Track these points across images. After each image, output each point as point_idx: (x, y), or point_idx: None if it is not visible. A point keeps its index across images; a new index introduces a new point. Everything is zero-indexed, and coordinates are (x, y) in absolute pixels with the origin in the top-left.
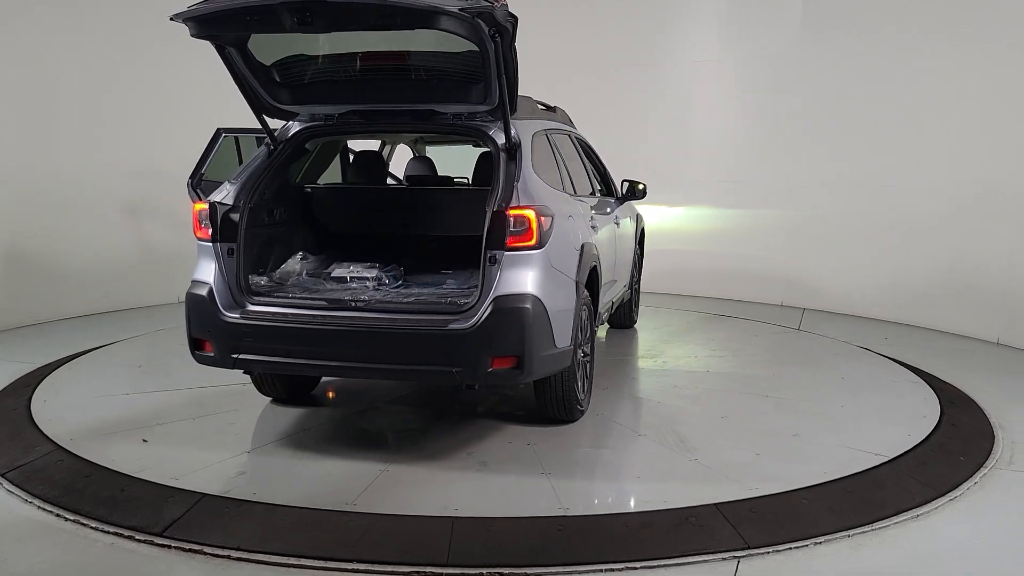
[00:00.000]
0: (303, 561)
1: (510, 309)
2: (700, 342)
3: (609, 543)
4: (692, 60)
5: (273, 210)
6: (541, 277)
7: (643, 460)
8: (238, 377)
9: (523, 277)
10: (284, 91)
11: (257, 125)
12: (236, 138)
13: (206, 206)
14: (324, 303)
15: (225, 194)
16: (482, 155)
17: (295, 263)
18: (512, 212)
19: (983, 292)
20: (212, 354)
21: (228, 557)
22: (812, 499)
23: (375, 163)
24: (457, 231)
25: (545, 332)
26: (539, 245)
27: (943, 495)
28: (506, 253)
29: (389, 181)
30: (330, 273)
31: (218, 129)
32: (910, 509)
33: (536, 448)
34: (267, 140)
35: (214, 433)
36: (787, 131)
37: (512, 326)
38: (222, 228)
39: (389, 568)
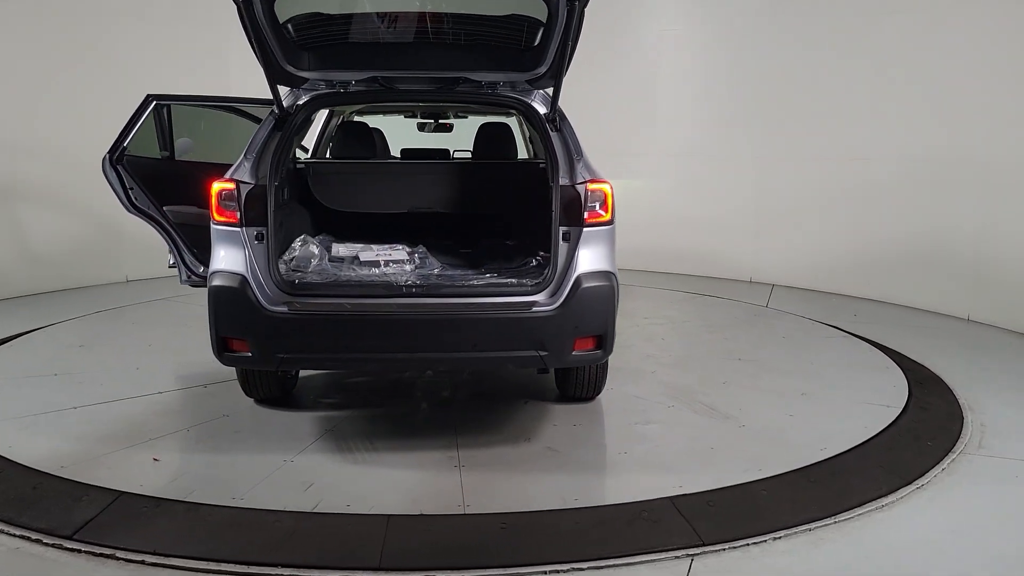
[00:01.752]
0: (223, 566)
1: (595, 288)
2: (659, 322)
3: (555, 542)
4: (657, 29)
5: (283, 188)
6: (612, 254)
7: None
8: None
9: (600, 254)
10: (302, 54)
11: (191, 93)
12: (167, 108)
13: (231, 185)
14: (382, 290)
15: (244, 171)
16: (483, 127)
17: (311, 247)
18: (592, 187)
19: (952, 267)
20: (249, 354)
21: (142, 563)
22: (771, 490)
23: (370, 136)
24: (473, 208)
25: (616, 311)
26: (612, 220)
27: (910, 483)
28: (584, 229)
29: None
30: (356, 258)
31: (148, 96)
32: (875, 499)
33: (579, 429)
34: (274, 109)
35: (154, 423)
36: (754, 103)
37: (596, 306)
38: (249, 210)
39: (315, 573)
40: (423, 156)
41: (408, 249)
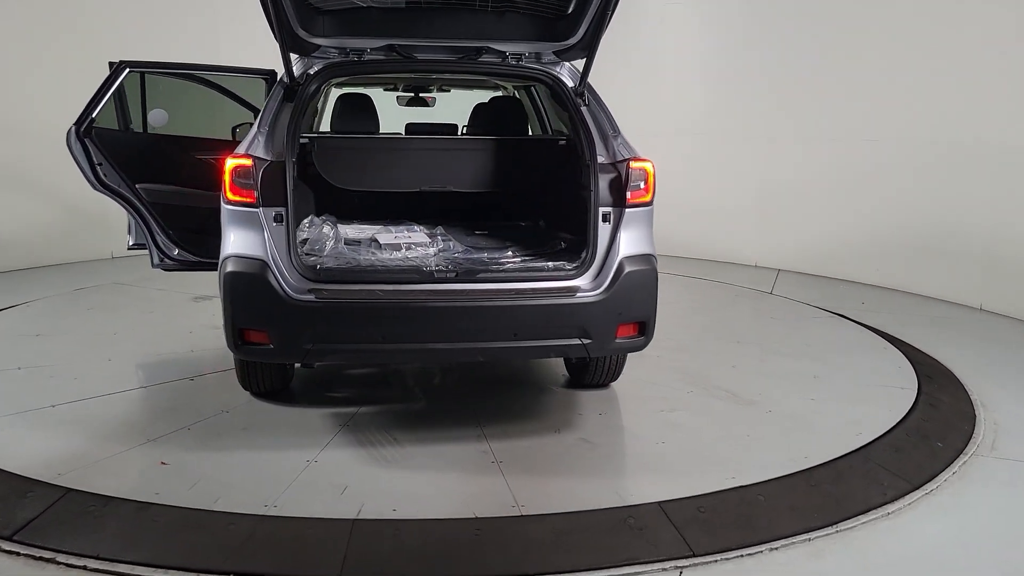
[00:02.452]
0: (170, 573)
1: (639, 272)
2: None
3: (529, 551)
4: (661, 4)
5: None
6: (651, 235)
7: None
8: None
9: (642, 236)
10: (316, 18)
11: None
12: (141, 77)
13: (248, 161)
14: (415, 276)
15: (258, 146)
16: (494, 100)
17: (323, 229)
18: (635, 165)
19: (965, 254)
20: (272, 346)
21: (84, 568)
22: (769, 496)
23: (373, 109)
24: (488, 188)
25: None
26: (652, 200)
27: (918, 488)
28: (626, 210)
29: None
30: (374, 240)
31: (121, 62)
32: (880, 506)
33: (607, 419)
34: (282, 78)
35: (149, 422)
36: (761, 81)
37: (641, 291)
38: (266, 188)
39: None
40: (430, 132)
41: (427, 231)
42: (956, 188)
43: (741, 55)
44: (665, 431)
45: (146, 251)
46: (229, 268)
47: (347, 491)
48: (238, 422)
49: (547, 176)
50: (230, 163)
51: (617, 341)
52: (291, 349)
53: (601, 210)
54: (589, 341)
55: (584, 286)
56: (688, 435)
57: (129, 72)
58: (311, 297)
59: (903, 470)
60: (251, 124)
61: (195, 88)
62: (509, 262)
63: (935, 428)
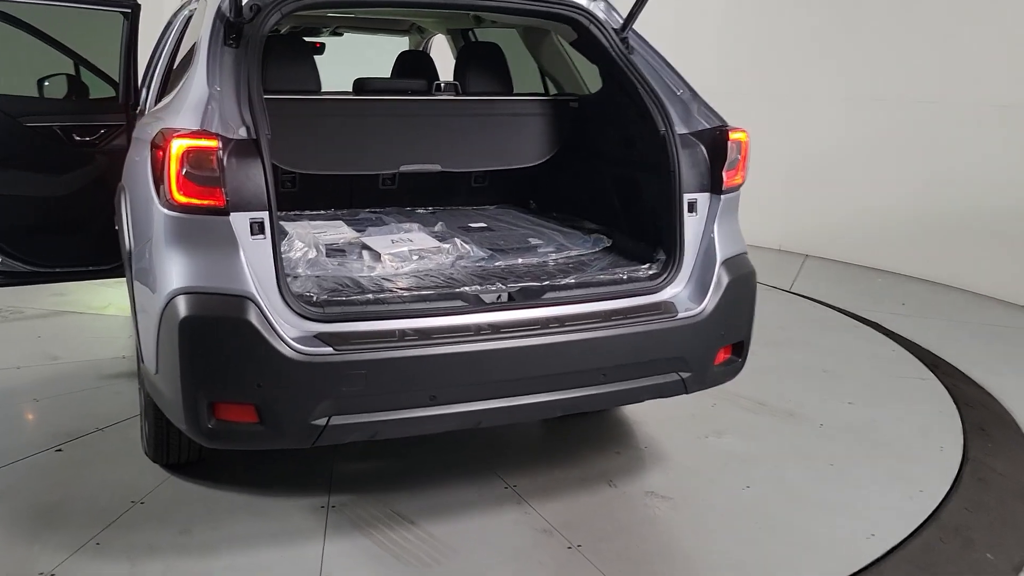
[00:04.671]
0: None
1: (743, 279)
2: None
3: None
4: None
5: None
6: (739, 226)
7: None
8: None
9: (735, 229)
10: None
11: None
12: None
13: (212, 142)
14: (461, 303)
15: (213, 119)
16: (471, 47)
17: (293, 233)
18: (734, 136)
19: None
20: (263, 426)
21: None
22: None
23: (313, 62)
24: (487, 164)
25: None
26: (744, 181)
27: None
28: (723, 197)
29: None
30: (364, 247)
31: None
32: None
33: (652, 453)
34: (226, 14)
35: (25, 525)
36: (791, 30)
37: (744, 302)
38: (237, 183)
39: None
40: (392, 91)
41: (429, 229)
42: None
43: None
44: (735, 468)
45: None
46: (185, 312)
47: None
48: (169, 520)
49: (563, 148)
50: (178, 146)
51: (715, 369)
52: (294, 429)
53: (689, 196)
54: (688, 374)
55: (679, 301)
56: (767, 472)
57: None
58: (325, 348)
59: None
60: (69, 75)
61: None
62: (563, 271)
63: (984, 522)
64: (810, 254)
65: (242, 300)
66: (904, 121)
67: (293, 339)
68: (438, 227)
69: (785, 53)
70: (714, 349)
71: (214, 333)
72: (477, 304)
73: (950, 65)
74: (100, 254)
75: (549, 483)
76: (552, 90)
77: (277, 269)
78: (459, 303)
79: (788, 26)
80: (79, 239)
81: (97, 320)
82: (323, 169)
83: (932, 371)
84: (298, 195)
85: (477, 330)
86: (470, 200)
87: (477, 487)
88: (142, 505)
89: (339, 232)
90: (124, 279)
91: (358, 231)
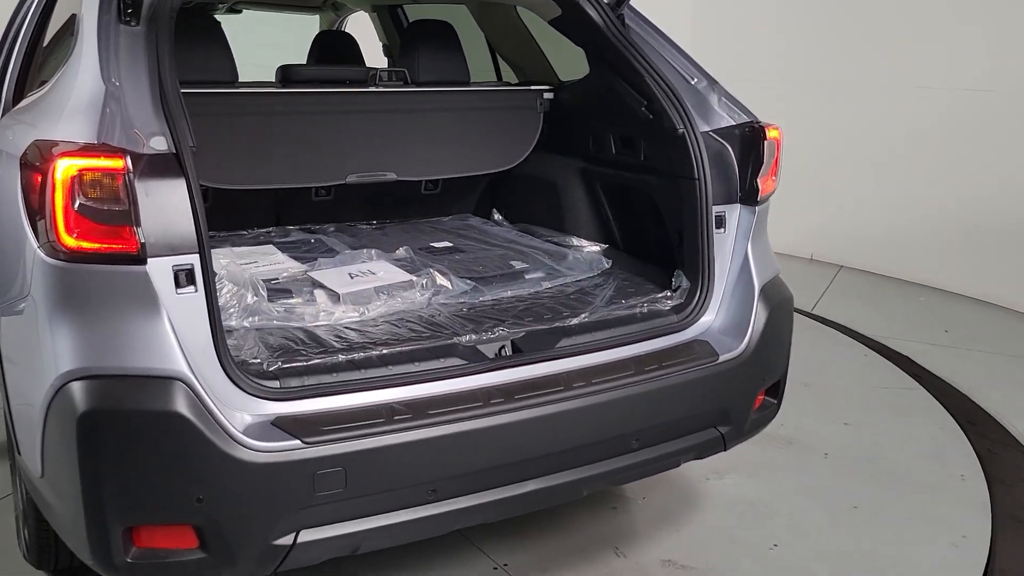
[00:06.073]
0: None
1: (782, 307)
2: None
3: None
4: None
5: None
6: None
7: None
8: None
9: (768, 247)
10: None
11: None
12: None
13: (117, 162)
14: (459, 361)
15: (113, 128)
16: (417, 24)
17: (223, 273)
18: (771, 135)
19: None
20: (204, 554)
21: None
22: None
23: (227, 45)
24: (446, 169)
25: None
26: (776, 188)
27: None
28: (757, 208)
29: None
30: (317, 285)
31: None
32: None
33: (649, 505)
34: None
35: None
36: (831, 11)
37: (784, 335)
38: (153, 218)
39: None
40: (329, 81)
41: (391, 256)
42: None
43: None
44: (752, 520)
45: None
46: (86, 405)
47: None
48: None
49: (541, 148)
50: (66, 167)
51: (753, 416)
52: (250, 553)
53: (718, 209)
54: (727, 428)
55: (715, 339)
56: (788, 523)
57: None
58: (290, 442)
59: None
60: None
61: None
62: (566, 305)
63: None
64: (844, 264)
65: (168, 383)
66: (953, 112)
67: (244, 431)
68: (401, 252)
69: (814, 37)
70: (755, 394)
71: (130, 434)
72: (477, 359)
73: (1004, 47)
74: None
75: (545, 557)
76: (513, 78)
77: (215, 332)
78: (456, 361)
79: (807, 7)
80: None
81: None
82: (251, 183)
83: (965, 432)
84: (211, 213)
85: (487, 398)
86: (421, 211)
87: (462, 569)
88: None
89: (275, 262)
90: None
91: (298, 259)
